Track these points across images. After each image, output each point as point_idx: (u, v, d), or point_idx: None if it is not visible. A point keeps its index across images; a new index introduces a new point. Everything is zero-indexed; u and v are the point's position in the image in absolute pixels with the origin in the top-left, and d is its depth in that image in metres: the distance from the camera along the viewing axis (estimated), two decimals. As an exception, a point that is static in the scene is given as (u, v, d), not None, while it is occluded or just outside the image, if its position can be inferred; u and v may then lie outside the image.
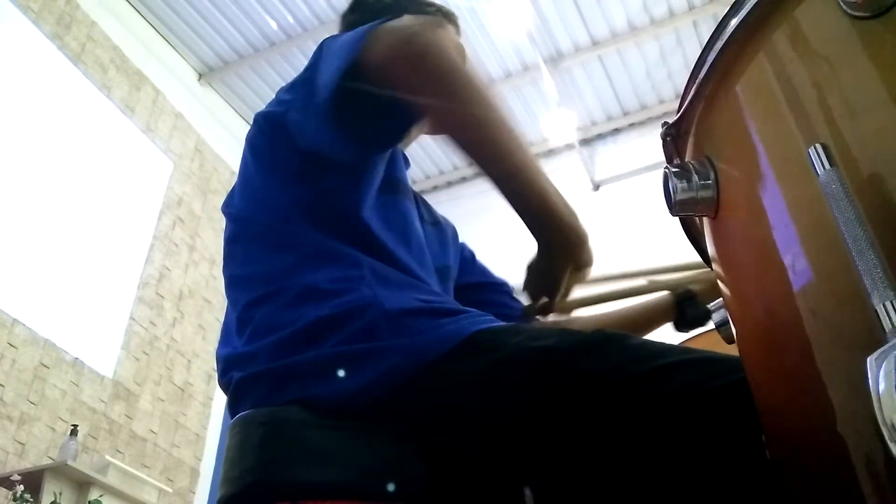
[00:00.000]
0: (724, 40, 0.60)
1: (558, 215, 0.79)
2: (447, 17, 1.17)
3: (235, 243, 0.93)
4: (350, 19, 1.18)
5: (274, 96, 0.98)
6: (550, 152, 6.28)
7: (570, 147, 6.05)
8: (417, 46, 0.78)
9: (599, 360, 0.71)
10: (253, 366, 0.79)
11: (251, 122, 0.98)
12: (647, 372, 0.68)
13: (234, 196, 0.97)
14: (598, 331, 0.77)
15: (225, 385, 0.85)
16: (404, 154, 1.09)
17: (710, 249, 0.71)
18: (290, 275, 0.83)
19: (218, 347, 0.91)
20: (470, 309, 0.82)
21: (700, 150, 0.67)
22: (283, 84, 0.97)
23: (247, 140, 0.99)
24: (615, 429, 0.69)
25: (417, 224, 0.98)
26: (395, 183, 0.96)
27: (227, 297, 0.93)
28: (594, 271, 0.88)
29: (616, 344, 0.73)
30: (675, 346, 0.74)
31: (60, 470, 3.33)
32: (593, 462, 0.70)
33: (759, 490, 0.62)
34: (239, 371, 0.81)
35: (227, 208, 0.97)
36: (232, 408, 0.81)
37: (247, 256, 0.90)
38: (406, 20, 0.81)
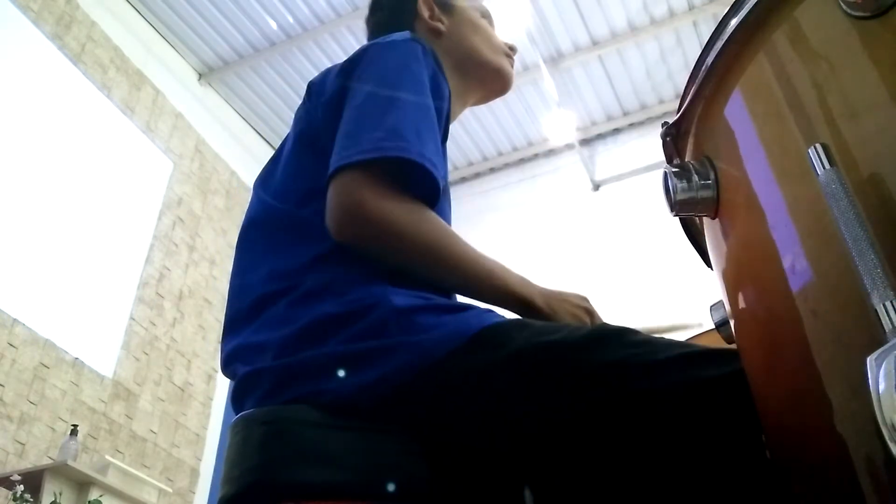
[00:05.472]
0: (724, 40, 0.60)
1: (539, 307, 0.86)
2: None
3: (258, 226, 0.92)
4: (373, 21, 1.19)
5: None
6: (550, 152, 6.29)
7: (570, 147, 6.05)
8: (364, 228, 0.81)
9: (603, 356, 0.71)
10: (259, 360, 0.79)
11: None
12: (650, 366, 0.69)
13: (273, 177, 0.96)
14: (603, 325, 0.77)
15: (231, 375, 0.84)
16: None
17: (710, 249, 0.71)
18: (306, 270, 0.83)
19: (225, 337, 0.89)
20: (474, 304, 0.81)
21: (700, 150, 0.67)
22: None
23: (295, 116, 0.98)
24: (617, 425, 0.69)
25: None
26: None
27: (239, 279, 0.91)
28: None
29: (620, 339, 0.73)
30: (678, 341, 0.74)
31: (60, 470, 3.32)
32: (594, 459, 0.71)
33: (759, 490, 0.62)
34: (245, 364, 0.80)
35: (263, 191, 0.95)
36: (236, 402, 0.81)
37: (268, 244, 0.89)
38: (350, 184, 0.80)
